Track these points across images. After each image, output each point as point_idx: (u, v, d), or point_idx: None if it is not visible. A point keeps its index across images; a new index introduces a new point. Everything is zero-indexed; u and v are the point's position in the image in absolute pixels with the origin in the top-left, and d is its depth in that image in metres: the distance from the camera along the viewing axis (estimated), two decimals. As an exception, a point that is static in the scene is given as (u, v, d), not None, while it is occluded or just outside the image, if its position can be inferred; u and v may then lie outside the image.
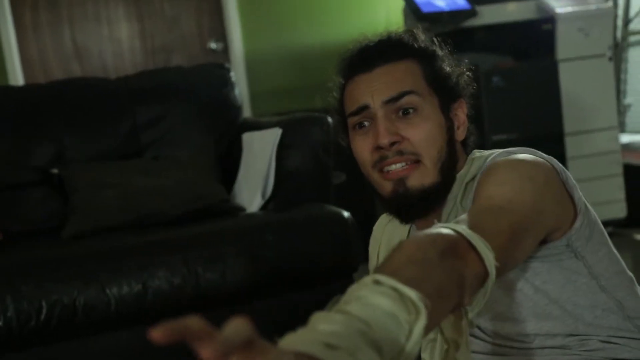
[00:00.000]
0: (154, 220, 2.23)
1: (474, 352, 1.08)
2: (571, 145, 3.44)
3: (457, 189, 1.08)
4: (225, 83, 2.81)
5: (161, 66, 3.76)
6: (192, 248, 1.95)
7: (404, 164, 1.05)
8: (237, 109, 2.82)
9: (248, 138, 2.52)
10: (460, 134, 1.11)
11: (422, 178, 1.05)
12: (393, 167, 1.06)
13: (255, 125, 2.61)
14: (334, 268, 2.08)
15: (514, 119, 3.40)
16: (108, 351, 1.91)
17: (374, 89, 1.06)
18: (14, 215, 2.49)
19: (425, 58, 1.10)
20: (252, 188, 2.36)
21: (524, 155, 1.01)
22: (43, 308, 1.77)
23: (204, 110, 2.75)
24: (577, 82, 3.43)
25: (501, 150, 1.05)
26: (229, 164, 2.56)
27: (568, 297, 1.02)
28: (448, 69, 1.11)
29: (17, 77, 3.72)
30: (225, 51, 4.04)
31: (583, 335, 1.01)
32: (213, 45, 4.02)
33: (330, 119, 2.41)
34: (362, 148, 1.08)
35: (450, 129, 1.09)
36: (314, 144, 2.32)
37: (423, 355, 1.12)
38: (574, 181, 1.03)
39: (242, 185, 2.44)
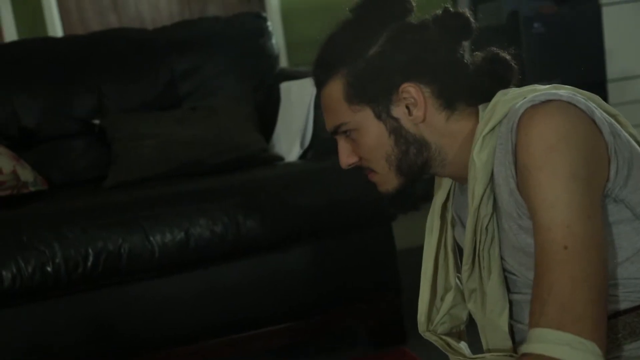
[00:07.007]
0: (193, 170, 2.26)
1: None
2: (613, 92, 3.37)
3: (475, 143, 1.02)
4: (262, 32, 2.80)
5: (197, 16, 3.75)
6: (232, 197, 1.97)
7: (368, 174, 1.13)
8: (274, 58, 2.81)
9: (286, 87, 2.52)
10: (418, 116, 1.05)
11: (385, 184, 1.12)
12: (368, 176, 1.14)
13: (292, 75, 2.60)
14: (372, 215, 2.09)
15: (555, 65, 3.33)
16: (152, 298, 1.96)
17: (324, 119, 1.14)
18: (58, 166, 2.54)
19: (349, 66, 1.06)
20: (291, 137, 2.37)
21: (552, 128, 0.92)
22: (89, 255, 1.82)
23: (240, 60, 2.75)
24: (621, 26, 3.34)
25: (523, 100, 0.97)
26: (267, 114, 2.56)
27: (610, 240, 0.97)
28: (378, 62, 1.04)
29: (55, 29, 3.75)
30: (261, 0, 4.01)
31: (618, 279, 0.97)
32: (249, -6, 3.99)
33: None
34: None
35: (397, 128, 1.06)
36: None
37: (469, 305, 1.13)
38: (600, 113, 0.97)
39: (281, 135, 2.45)
